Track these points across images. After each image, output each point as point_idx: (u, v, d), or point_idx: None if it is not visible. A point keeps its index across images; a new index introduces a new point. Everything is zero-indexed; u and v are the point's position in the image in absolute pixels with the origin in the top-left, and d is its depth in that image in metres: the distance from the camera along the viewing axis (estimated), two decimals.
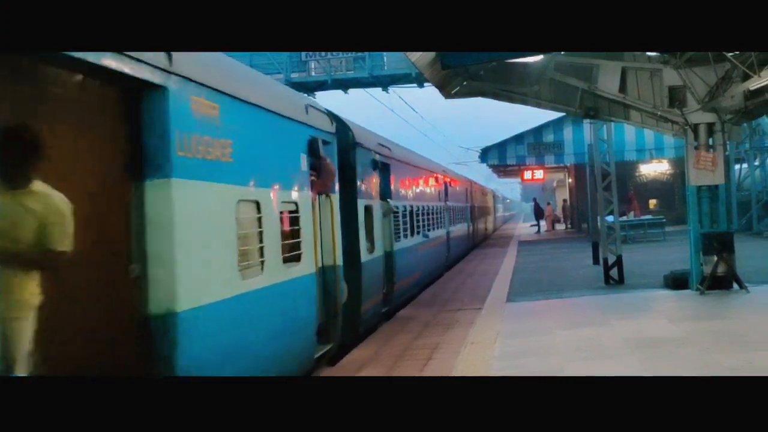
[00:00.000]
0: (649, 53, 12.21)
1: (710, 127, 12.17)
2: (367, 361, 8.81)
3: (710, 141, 12.22)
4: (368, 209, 10.98)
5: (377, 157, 11.90)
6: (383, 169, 12.57)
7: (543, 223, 43.38)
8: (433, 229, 18.33)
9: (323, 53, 30.40)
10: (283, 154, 7.33)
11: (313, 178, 8.11)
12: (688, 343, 8.54)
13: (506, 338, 9.54)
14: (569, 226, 42.53)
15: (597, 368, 7.48)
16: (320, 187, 8.37)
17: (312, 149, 8.04)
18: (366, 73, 30.33)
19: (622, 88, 12.66)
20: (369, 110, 37.54)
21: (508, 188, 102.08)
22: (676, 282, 12.76)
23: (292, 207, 7.41)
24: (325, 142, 8.53)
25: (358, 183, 10.46)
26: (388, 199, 12.65)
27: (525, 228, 51.40)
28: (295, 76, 30.42)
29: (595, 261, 17.53)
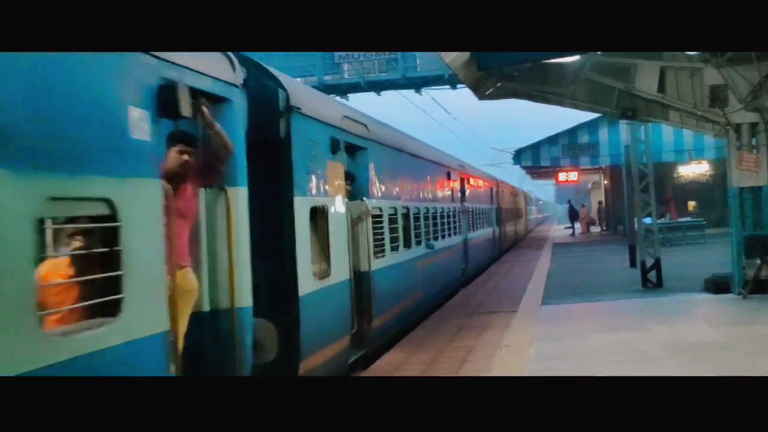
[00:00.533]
0: (689, 52, 11.97)
1: (753, 126, 11.89)
2: (401, 363, 8.74)
3: (753, 141, 11.94)
4: (319, 212, 7.35)
5: (342, 135, 8.27)
6: (355, 154, 9.19)
7: (577, 225, 42.96)
8: (444, 236, 14.99)
9: (356, 55, 30.49)
10: (53, 103, 3.51)
11: (184, 157, 4.83)
12: (730, 347, 8.32)
13: (542, 341, 9.40)
14: (604, 228, 42.07)
15: (634, 372, 7.31)
16: (201, 175, 5.06)
17: (168, 104, 4.43)
18: (399, 75, 30.36)
19: (661, 87, 12.44)
20: (402, 112, 37.52)
21: (542, 190, 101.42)
22: (717, 286, 12.48)
23: (95, 209, 3.83)
24: (213, 98, 5.17)
25: (298, 172, 6.78)
26: (365, 198, 9.11)
27: (559, 230, 50.95)
28: (328, 78, 30.57)
29: (632, 264, 17.27)
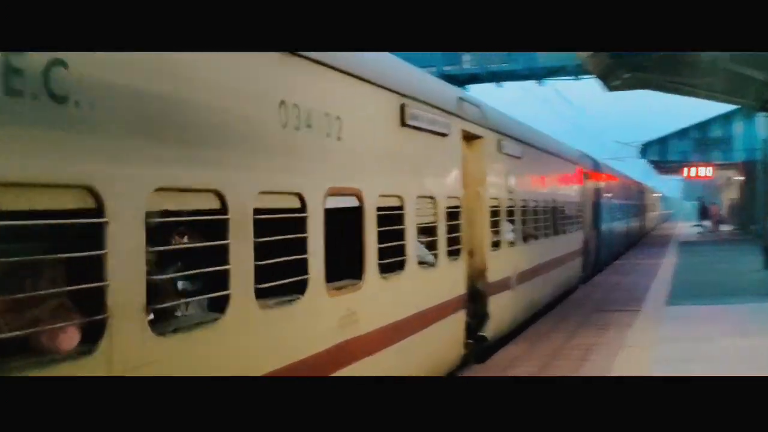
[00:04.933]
0: None
1: None
2: (516, 359, 8.69)
3: None
4: None
5: None
6: None
7: (707, 223, 40.98)
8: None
9: None
10: None
11: None
12: None
13: (666, 343, 9.12)
14: (736, 227, 39.92)
15: None
16: None
17: None
18: (520, 66, 29.82)
19: None
20: (523, 105, 36.93)
21: (667, 185, 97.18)
22: None
23: None
24: None
25: None
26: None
27: (685, 228, 48.77)
28: (448, 68, 30.41)
29: (766, 266, 16.44)
